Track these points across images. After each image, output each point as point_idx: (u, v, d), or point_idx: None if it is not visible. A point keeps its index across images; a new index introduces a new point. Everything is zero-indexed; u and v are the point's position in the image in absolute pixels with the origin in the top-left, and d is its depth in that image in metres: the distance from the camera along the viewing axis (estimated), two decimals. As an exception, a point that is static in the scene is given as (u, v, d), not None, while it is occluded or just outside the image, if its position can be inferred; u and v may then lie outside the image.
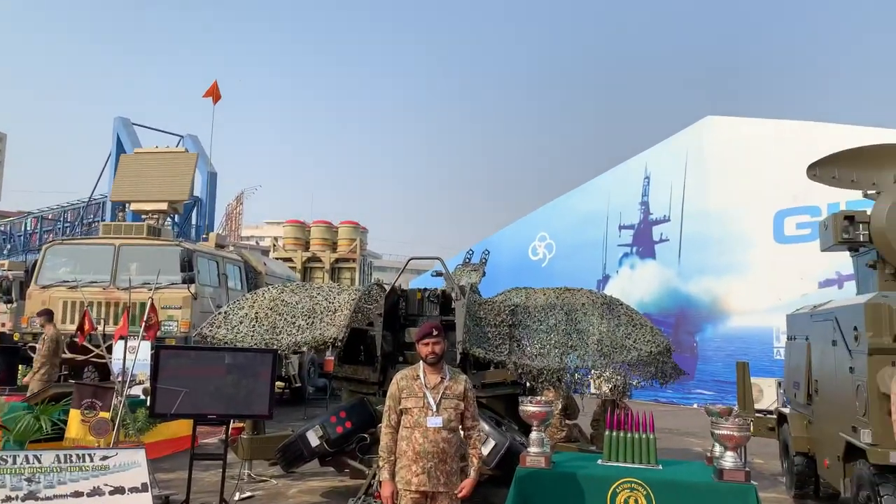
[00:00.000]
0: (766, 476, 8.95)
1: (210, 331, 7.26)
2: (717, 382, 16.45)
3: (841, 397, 6.24)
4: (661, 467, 5.00)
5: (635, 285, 18.98)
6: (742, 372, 8.96)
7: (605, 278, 19.67)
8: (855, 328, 5.85)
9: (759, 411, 8.93)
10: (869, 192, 7.62)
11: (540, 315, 7.60)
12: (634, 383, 7.59)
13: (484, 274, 9.68)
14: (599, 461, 5.16)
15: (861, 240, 7.16)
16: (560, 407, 7.49)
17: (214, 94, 19.15)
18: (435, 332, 4.11)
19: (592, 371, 7.25)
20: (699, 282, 17.75)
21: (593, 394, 9.31)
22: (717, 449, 5.09)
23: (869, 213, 7.13)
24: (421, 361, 4.17)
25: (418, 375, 4.11)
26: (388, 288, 7.33)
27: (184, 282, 11.71)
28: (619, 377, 7.45)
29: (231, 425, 6.49)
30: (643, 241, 19.10)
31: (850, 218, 7.24)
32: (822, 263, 14.06)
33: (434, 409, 3.99)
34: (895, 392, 3.97)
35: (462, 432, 4.18)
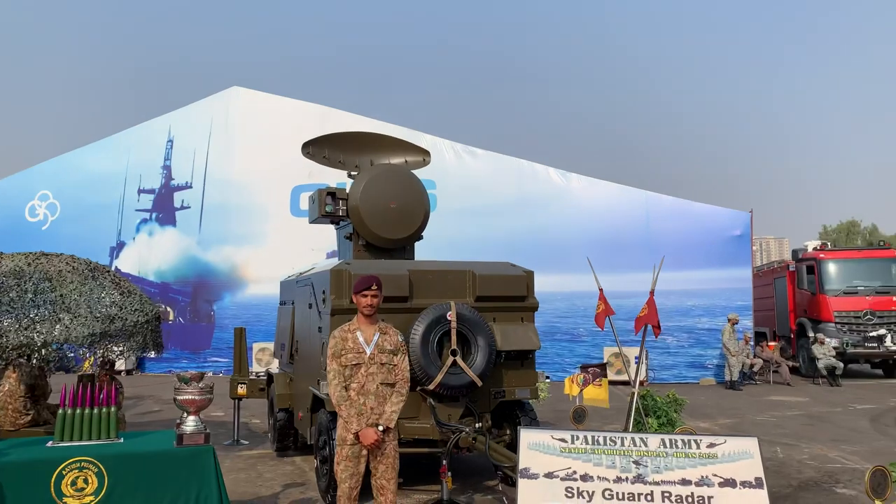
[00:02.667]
0: (258, 434, 9.46)
1: None
2: (231, 349, 16.84)
3: (312, 355, 6.90)
4: (121, 440, 4.74)
5: (154, 253, 18.07)
6: (238, 337, 9.27)
7: (120, 245, 18.20)
8: (324, 292, 6.50)
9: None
10: (352, 172, 8.61)
11: (4, 284, 6.50)
12: (123, 355, 7.17)
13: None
14: (49, 443, 4.64)
15: (341, 214, 8.04)
16: (22, 388, 6.52)
17: None
18: None
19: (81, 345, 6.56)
20: (219, 251, 17.84)
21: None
22: (184, 415, 5.06)
23: (348, 190, 8.04)
24: None
25: None
26: None
27: None
28: (103, 351, 6.91)
29: None
30: (164, 207, 18.27)
31: (333, 194, 8.05)
32: (330, 236, 15.55)
33: None
34: (330, 346, 4.50)
35: None
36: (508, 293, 6.69)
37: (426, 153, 9.18)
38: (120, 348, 6.84)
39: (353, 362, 4.41)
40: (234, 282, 17.80)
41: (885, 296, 17.42)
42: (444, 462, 5.79)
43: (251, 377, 9.16)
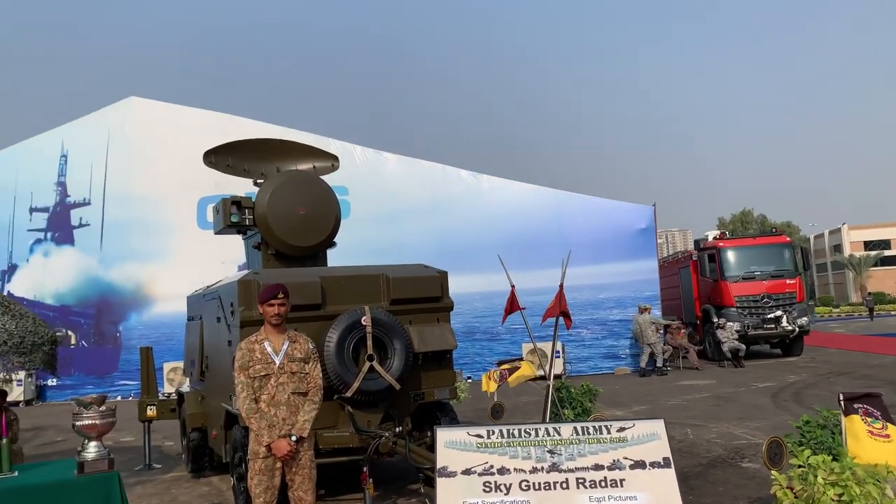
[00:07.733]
0: (172, 456, 9.06)
1: None
2: (139, 371, 16.09)
3: (223, 370, 6.67)
4: (16, 474, 4.42)
5: (51, 275, 17.02)
6: (146, 357, 8.87)
7: (12, 268, 17.03)
8: (232, 304, 6.30)
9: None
10: (258, 181, 8.39)
11: None
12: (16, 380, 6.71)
13: None
14: (-67, 483, 4.27)
15: (247, 223, 7.82)
16: None
17: None
18: None
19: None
20: (122, 269, 17.01)
21: None
22: (85, 441, 4.77)
23: (254, 199, 7.83)
24: None
25: None
26: None
27: None
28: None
29: None
30: (60, 226, 17.25)
31: (238, 203, 7.82)
32: (241, 248, 15.10)
33: None
34: (237, 358, 4.37)
35: None
36: (423, 294, 6.68)
37: (335, 158, 9.06)
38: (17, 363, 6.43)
39: (262, 373, 4.29)
40: (140, 300, 17.02)
41: (779, 279, 18.56)
42: (365, 469, 5.70)
43: (161, 398, 8.77)
